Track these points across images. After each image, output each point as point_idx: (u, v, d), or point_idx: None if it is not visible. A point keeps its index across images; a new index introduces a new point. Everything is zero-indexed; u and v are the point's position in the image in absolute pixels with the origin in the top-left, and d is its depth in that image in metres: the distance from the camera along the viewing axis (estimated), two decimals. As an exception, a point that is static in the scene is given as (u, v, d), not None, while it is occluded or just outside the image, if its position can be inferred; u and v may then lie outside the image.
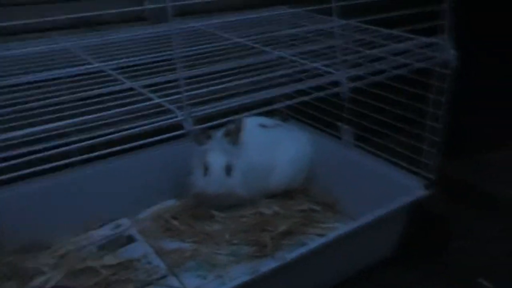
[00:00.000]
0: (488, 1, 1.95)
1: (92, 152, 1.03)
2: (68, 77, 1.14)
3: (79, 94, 1.09)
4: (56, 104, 1.06)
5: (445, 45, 1.27)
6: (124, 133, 0.97)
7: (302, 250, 1.13)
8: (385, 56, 1.23)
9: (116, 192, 1.46)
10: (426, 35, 1.28)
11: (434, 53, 1.27)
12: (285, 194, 1.54)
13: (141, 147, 1.42)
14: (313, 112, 1.64)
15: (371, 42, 1.28)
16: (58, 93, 1.14)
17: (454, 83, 1.27)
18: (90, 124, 1.15)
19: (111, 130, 1.04)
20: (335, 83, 1.14)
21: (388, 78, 1.22)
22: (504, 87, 2.06)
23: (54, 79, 1.12)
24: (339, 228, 1.35)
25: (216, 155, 1.38)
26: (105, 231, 1.44)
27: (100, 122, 1.18)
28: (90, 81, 1.14)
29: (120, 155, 1.40)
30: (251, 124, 1.47)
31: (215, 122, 1.09)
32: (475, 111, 2.05)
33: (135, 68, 1.16)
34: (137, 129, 0.98)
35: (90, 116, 0.98)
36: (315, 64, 1.16)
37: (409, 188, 1.34)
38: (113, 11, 1.02)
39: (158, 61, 1.18)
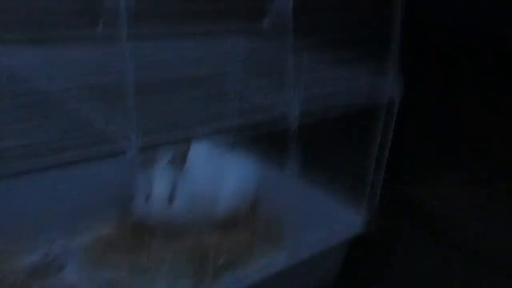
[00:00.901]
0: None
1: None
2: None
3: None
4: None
5: (391, 81, 1.33)
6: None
7: (243, 282, 1.12)
8: (336, 91, 1.26)
9: (49, 215, 1.36)
10: (375, 73, 1.34)
11: (382, 88, 1.33)
12: (228, 224, 1.52)
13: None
14: (260, 141, 1.64)
15: (323, 78, 1.31)
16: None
17: (398, 116, 1.34)
18: (29, 148, 1.09)
19: (51, 156, 0.98)
20: (286, 116, 1.15)
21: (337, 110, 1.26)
22: (447, 116, 2.18)
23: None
24: (280, 260, 1.37)
25: (160, 181, 1.34)
26: (34, 257, 1.34)
27: (40, 146, 1.12)
28: (33, 100, 1.08)
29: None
30: (197, 151, 1.45)
31: (164, 152, 1.06)
32: (420, 139, 2.16)
33: (83, 90, 1.10)
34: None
35: (29, 140, 0.92)
36: (267, 98, 1.16)
37: (351, 222, 1.38)
38: (66, 32, 0.98)
39: (107, 84, 1.13)
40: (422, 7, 1.83)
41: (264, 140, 1.63)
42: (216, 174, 1.50)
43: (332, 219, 1.40)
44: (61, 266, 1.32)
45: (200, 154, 1.48)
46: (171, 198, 1.34)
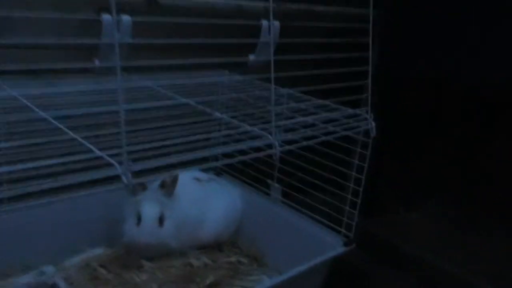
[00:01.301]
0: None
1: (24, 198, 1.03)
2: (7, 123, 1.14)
3: (18, 142, 1.09)
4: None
5: (366, 116, 1.42)
6: (61, 183, 0.99)
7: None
8: (315, 123, 1.35)
9: (42, 237, 1.42)
10: (353, 106, 1.43)
11: (357, 123, 1.42)
12: (215, 246, 1.59)
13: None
14: (245, 168, 1.73)
15: (303, 110, 1.40)
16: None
17: (375, 149, 1.42)
18: (26, 174, 1.16)
19: (48, 181, 1.04)
20: (269, 145, 1.23)
21: (316, 143, 1.34)
22: (421, 155, 2.27)
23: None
24: (264, 281, 1.43)
25: (150, 206, 1.40)
26: (28, 278, 1.38)
27: (36, 172, 1.18)
28: (31, 128, 1.15)
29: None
30: (186, 177, 1.52)
31: (154, 178, 1.13)
32: (394, 174, 2.25)
33: (79, 119, 1.18)
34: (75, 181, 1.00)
35: (28, 165, 0.99)
36: (251, 127, 1.24)
37: (330, 245, 1.45)
38: (64, 66, 1.05)
39: (102, 113, 1.21)
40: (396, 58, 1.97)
41: (248, 167, 1.71)
42: (204, 198, 1.57)
43: (313, 242, 1.48)
44: (55, 286, 1.36)
45: (189, 179, 1.57)
46: (161, 221, 1.41)
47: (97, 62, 1.15)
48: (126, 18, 1.14)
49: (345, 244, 1.44)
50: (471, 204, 2.14)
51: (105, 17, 1.13)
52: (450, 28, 1.81)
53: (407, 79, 1.97)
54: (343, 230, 1.47)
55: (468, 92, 1.90)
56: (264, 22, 1.35)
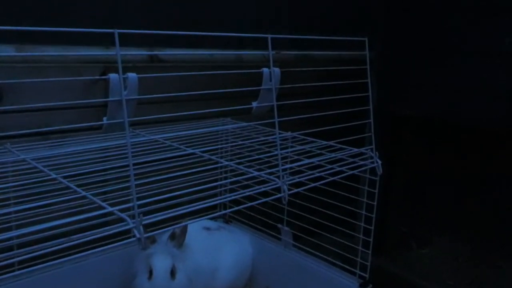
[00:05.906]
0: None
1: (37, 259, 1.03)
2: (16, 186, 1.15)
3: (29, 205, 1.09)
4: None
5: (372, 154, 1.43)
6: (74, 242, 0.99)
7: None
8: (321, 164, 1.36)
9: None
10: (356, 146, 1.45)
11: (363, 162, 1.42)
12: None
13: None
14: (254, 214, 1.72)
15: (309, 152, 1.42)
16: (5, 203, 1.15)
17: (382, 187, 1.42)
18: (39, 235, 1.15)
19: (62, 240, 1.04)
20: (277, 189, 1.23)
21: (323, 184, 1.35)
22: (430, 191, 2.28)
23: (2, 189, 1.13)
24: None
25: (161, 259, 1.38)
26: None
27: (49, 232, 1.18)
28: (41, 189, 1.16)
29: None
30: (195, 227, 1.51)
31: (166, 229, 1.13)
32: (404, 211, 2.25)
33: (89, 176, 1.19)
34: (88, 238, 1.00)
35: (40, 226, 0.99)
36: (258, 173, 1.25)
37: (346, 287, 1.43)
38: (72, 126, 1.07)
39: (110, 168, 1.22)
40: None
41: (257, 212, 1.71)
42: (215, 247, 1.56)
43: (328, 285, 1.46)
44: None
45: (198, 229, 1.56)
46: (173, 274, 1.39)
47: (105, 120, 1.17)
48: (132, 75, 1.17)
49: (362, 286, 1.43)
50: (482, 238, 2.13)
51: (112, 76, 1.16)
52: (447, 68, 1.86)
53: (408, 117, 2.00)
54: (357, 271, 1.45)
55: (468, 130, 1.92)
56: (265, 70, 1.38)
